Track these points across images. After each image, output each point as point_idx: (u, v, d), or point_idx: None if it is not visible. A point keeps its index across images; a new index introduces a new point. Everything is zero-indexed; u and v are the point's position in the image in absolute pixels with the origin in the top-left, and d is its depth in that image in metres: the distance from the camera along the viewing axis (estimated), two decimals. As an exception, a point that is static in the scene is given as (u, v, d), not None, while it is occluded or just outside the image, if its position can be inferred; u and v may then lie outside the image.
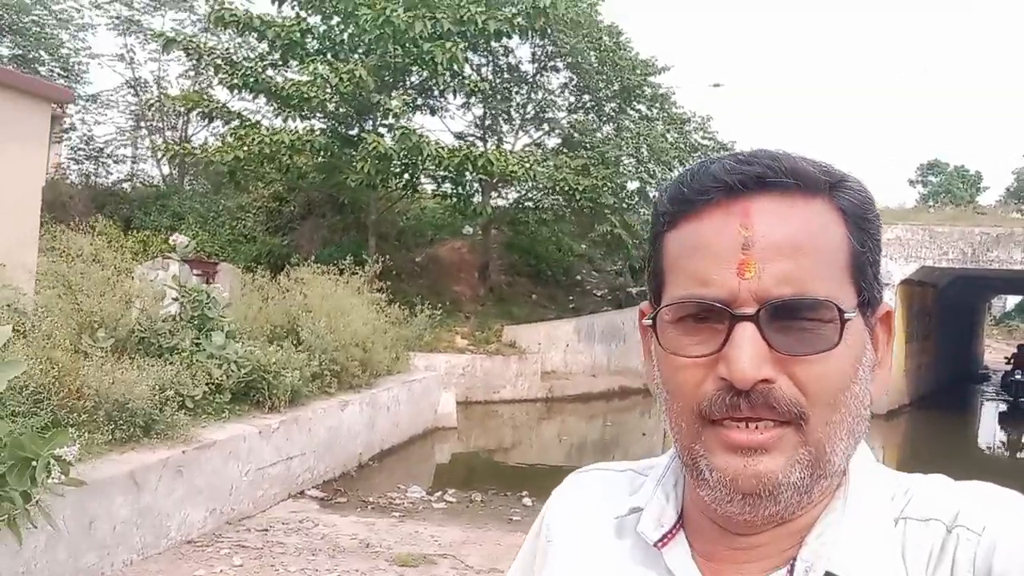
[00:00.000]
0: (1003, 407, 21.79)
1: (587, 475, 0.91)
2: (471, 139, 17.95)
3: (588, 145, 16.96)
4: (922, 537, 0.69)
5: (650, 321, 0.75)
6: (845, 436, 0.70)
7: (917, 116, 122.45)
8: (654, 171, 17.19)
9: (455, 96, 16.94)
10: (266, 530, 6.50)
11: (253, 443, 6.83)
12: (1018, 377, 22.00)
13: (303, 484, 7.91)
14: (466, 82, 15.96)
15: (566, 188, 15.45)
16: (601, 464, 0.91)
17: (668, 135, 17.35)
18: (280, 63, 15.35)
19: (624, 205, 16.73)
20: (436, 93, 16.80)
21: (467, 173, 15.23)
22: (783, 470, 0.67)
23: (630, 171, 17.08)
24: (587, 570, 0.81)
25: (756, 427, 0.67)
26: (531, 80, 17.99)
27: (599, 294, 21.04)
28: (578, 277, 21.58)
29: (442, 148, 14.41)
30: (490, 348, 16.12)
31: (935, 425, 17.85)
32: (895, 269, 17.24)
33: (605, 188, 15.76)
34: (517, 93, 17.92)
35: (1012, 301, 50.47)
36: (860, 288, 0.71)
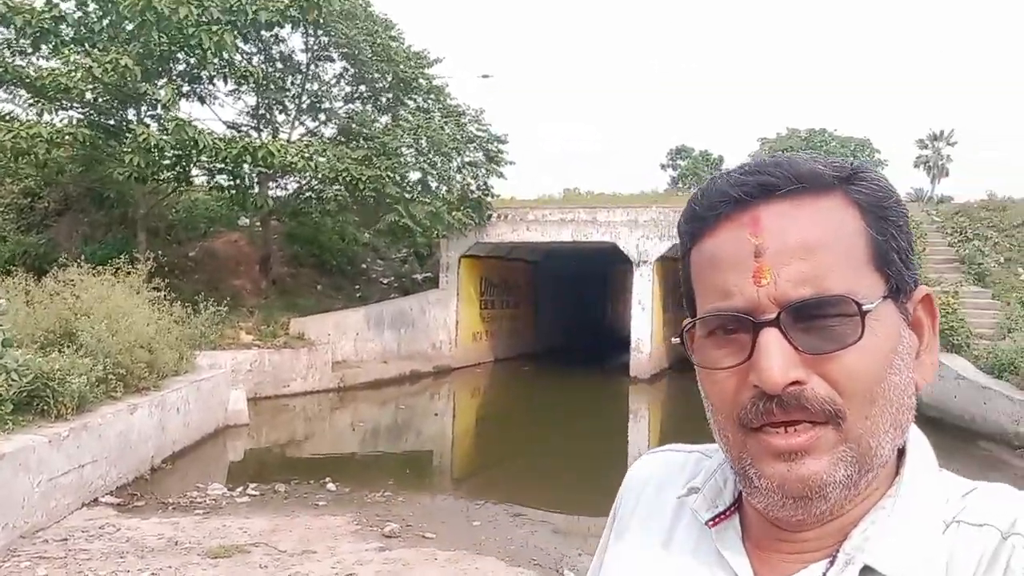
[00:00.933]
0: None
1: (655, 456, 0.93)
2: (245, 129, 17.54)
3: (367, 136, 17.16)
4: (974, 541, 0.67)
5: (678, 339, 0.79)
6: (890, 428, 0.69)
7: (668, 106, 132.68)
8: (435, 161, 17.72)
9: (226, 83, 16.45)
10: (65, 539, 6.32)
11: (43, 453, 6.57)
12: None
13: (97, 491, 7.66)
14: (236, 69, 15.57)
15: (349, 179, 15.57)
16: (670, 445, 0.93)
17: (446, 127, 17.93)
18: (31, 51, 14.14)
19: (407, 196, 17.11)
20: (204, 80, 16.23)
21: (245, 165, 14.91)
22: (827, 470, 0.68)
23: (411, 162, 17.48)
24: (644, 546, 0.84)
25: (794, 430, 0.68)
26: (305, 70, 17.86)
27: (385, 282, 21.33)
28: (363, 266, 21.74)
29: (219, 140, 14.02)
30: (278, 342, 15.91)
31: (689, 385, 19.96)
32: (651, 247, 19.06)
33: (388, 179, 16.06)
34: (292, 83, 17.72)
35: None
36: (887, 276, 0.70)
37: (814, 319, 0.67)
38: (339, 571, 6.06)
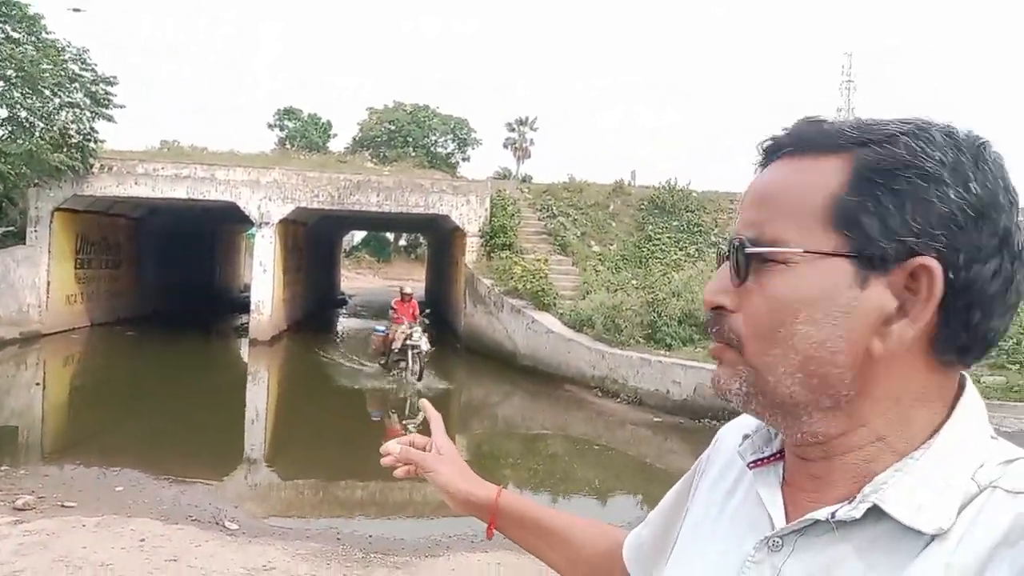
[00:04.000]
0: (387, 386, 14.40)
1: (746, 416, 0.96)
2: None
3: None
4: (1006, 507, 0.66)
5: None
6: (795, 372, 0.73)
7: (275, 64, 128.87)
8: (31, 103, 15.53)
9: None
10: None
11: None
12: (416, 339, 13.95)
13: None
14: None
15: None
16: None
17: (44, 62, 15.79)
18: None
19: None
20: None
21: None
22: (725, 378, 0.78)
23: (-4, 96, 15.15)
24: (712, 497, 0.91)
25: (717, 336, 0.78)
26: None
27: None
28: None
29: None
30: None
31: (308, 344, 20.23)
32: (274, 209, 18.93)
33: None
34: None
35: (359, 235, 57.94)
36: (847, 238, 0.71)
37: (745, 258, 0.75)
38: (-30, 550, 5.49)
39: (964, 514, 0.67)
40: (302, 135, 56.17)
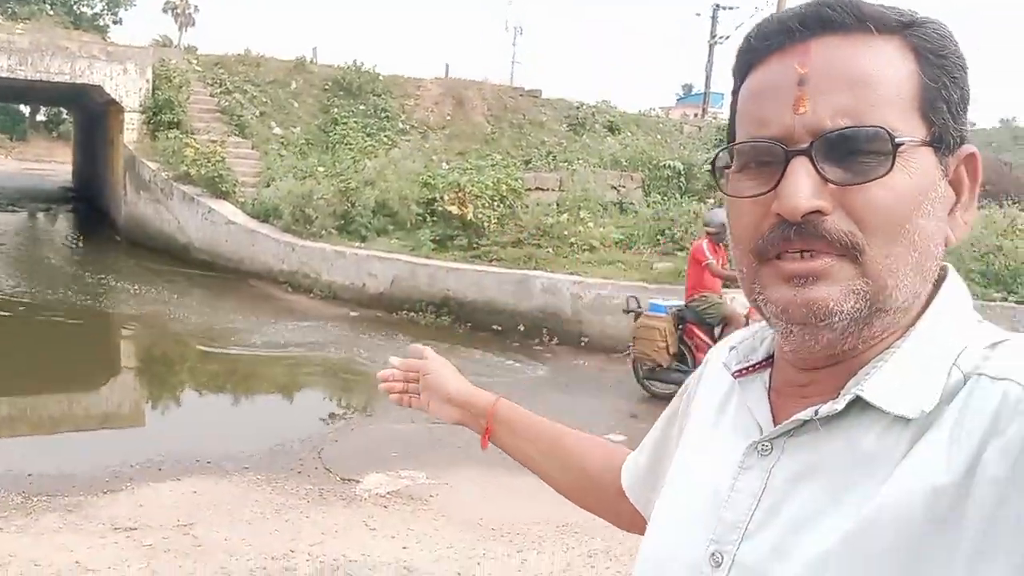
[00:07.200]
0: None
1: (742, 330, 0.91)
2: None
3: None
4: (991, 394, 0.63)
5: (709, 168, 0.79)
6: (911, 272, 0.68)
7: None
8: None
9: None
10: None
11: None
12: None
13: None
14: None
15: None
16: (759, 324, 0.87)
17: None
18: None
19: None
20: None
21: None
22: (836, 299, 0.67)
23: None
24: (699, 412, 0.88)
25: (811, 255, 0.68)
26: None
27: None
28: None
29: None
30: None
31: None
32: None
33: None
34: None
35: (-21, 107, 48.77)
36: (931, 124, 0.69)
37: (848, 152, 0.67)
38: None
39: (952, 405, 0.65)
40: None
